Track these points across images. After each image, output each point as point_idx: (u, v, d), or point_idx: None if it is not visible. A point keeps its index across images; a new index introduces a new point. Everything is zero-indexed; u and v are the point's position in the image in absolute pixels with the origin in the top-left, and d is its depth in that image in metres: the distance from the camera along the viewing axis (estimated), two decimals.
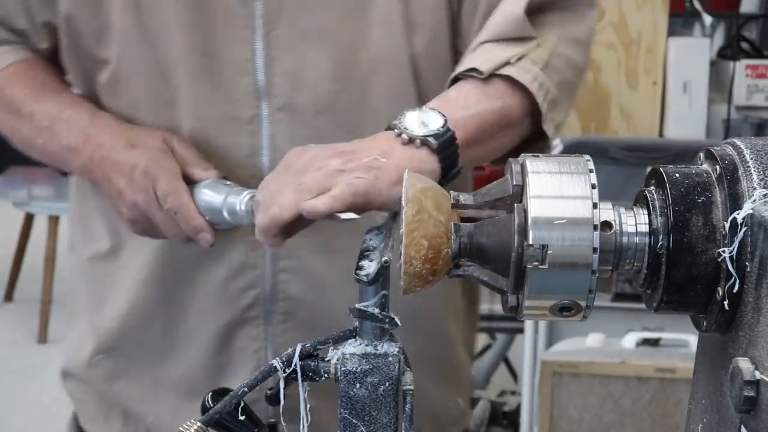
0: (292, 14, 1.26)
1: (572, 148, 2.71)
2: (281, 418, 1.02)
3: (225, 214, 1.19)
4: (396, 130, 1.13)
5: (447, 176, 1.13)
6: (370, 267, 0.94)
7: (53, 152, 1.30)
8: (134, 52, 1.28)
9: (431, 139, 1.12)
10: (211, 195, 1.21)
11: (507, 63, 1.25)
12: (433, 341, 1.43)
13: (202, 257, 1.31)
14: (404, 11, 1.28)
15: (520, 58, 1.26)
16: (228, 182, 1.22)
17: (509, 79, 1.24)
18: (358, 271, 0.94)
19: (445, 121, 1.14)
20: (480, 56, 1.25)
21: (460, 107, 1.18)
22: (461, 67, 1.25)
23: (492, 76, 1.23)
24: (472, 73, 1.24)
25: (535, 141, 1.28)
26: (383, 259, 0.92)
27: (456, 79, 1.25)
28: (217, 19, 1.26)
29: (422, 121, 1.14)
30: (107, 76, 1.32)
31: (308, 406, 1.04)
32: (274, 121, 1.28)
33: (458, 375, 1.52)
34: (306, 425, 1.03)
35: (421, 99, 1.30)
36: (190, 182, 1.23)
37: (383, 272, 0.93)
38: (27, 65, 1.35)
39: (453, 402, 1.51)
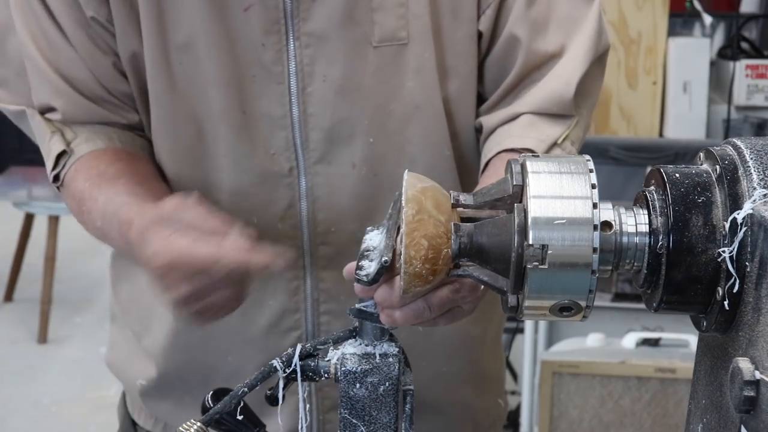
0: (325, 70, 1.25)
1: None
2: (279, 418, 1.03)
3: None
4: None
5: None
6: (370, 267, 0.93)
7: (118, 248, 1.29)
8: (168, 110, 1.28)
9: None
10: None
11: (555, 143, 1.27)
12: (466, 347, 1.44)
13: (245, 305, 1.31)
14: (438, 60, 1.28)
15: (564, 138, 1.28)
16: None
17: None
18: (358, 271, 0.94)
19: None
20: (528, 133, 1.27)
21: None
22: (509, 142, 1.26)
23: None
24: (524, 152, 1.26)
25: None
26: (383, 259, 0.91)
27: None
28: (252, 76, 1.25)
29: None
30: (151, 126, 1.32)
31: (307, 406, 1.05)
32: (311, 173, 1.28)
33: (495, 375, 1.53)
34: (305, 425, 1.03)
35: (454, 141, 1.31)
36: None
37: (383, 272, 0.92)
38: (97, 154, 1.30)
39: (493, 403, 1.51)
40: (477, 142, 1.36)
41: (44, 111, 1.31)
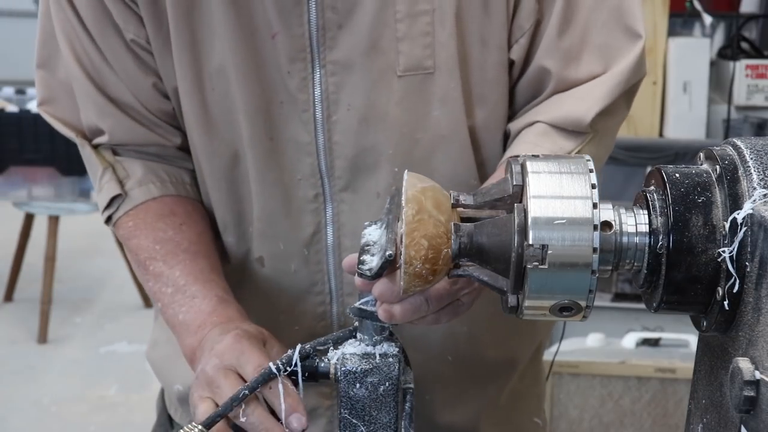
0: (350, 98, 1.25)
1: None
2: (282, 420, 1.02)
3: None
4: None
5: None
6: (372, 261, 0.93)
7: (168, 320, 1.28)
8: (204, 135, 1.29)
9: None
10: None
11: None
12: (500, 365, 1.44)
13: (273, 329, 1.31)
14: (465, 89, 1.27)
15: (577, 153, 1.27)
16: None
17: None
18: (360, 266, 0.93)
19: None
20: (541, 142, 1.26)
21: None
22: (521, 148, 1.26)
23: None
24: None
25: None
26: (387, 253, 0.90)
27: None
28: (279, 103, 1.25)
29: None
30: (191, 151, 1.33)
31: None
32: (337, 200, 1.28)
33: (532, 392, 1.52)
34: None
35: (481, 169, 1.31)
36: None
37: (387, 266, 0.92)
38: (156, 210, 1.32)
39: (529, 421, 1.51)
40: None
41: (93, 133, 1.33)
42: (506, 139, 1.33)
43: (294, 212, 1.29)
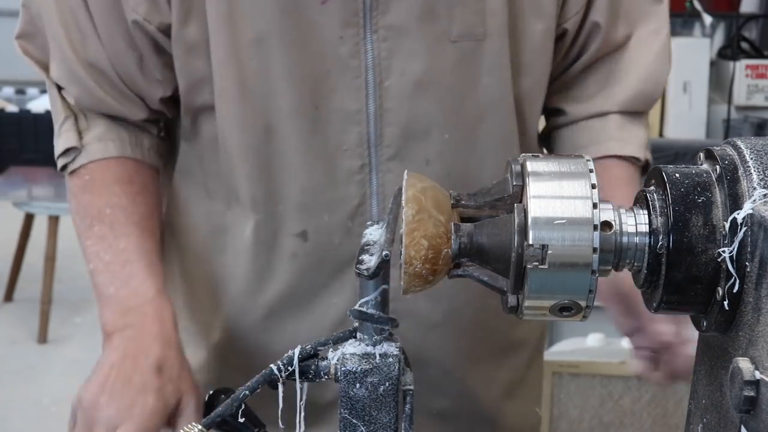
0: (403, 64, 1.24)
1: None
2: (279, 421, 1.03)
3: None
4: None
5: None
6: (370, 261, 0.94)
7: (96, 284, 1.28)
8: (236, 107, 1.26)
9: None
10: None
11: (645, 146, 1.37)
12: (508, 354, 1.45)
13: (306, 303, 1.31)
14: (513, 56, 1.28)
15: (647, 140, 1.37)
16: None
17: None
18: (358, 266, 0.94)
19: None
20: (625, 137, 1.35)
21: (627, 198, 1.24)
22: (612, 146, 1.35)
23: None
24: (630, 159, 1.36)
25: None
26: (383, 253, 0.92)
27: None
28: (327, 71, 1.24)
29: None
30: (208, 131, 1.31)
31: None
32: (383, 170, 1.27)
33: (533, 383, 1.54)
34: (303, 427, 1.03)
35: (522, 138, 1.33)
36: None
37: (383, 266, 0.93)
38: (112, 169, 1.31)
39: (531, 412, 1.52)
40: (538, 138, 1.40)
41: (60, 86, 1.32)
42: (545, 111, 1.37)
43: (339, 184, 1.28)
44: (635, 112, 1.38)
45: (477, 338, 1.38)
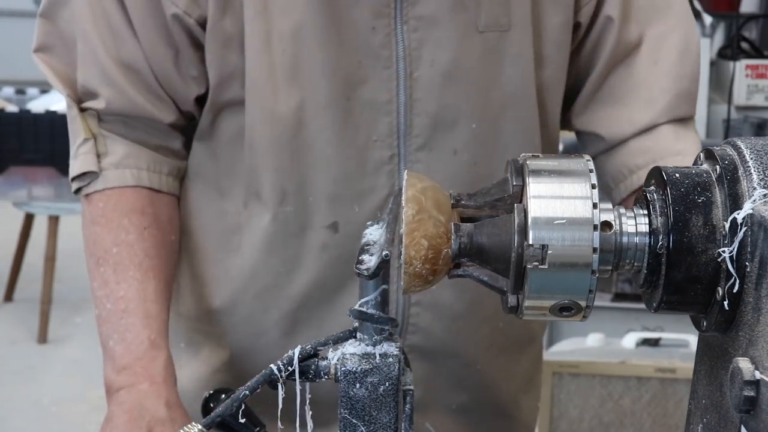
0: (433, 54, 1.25)
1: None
2: (279, 421, 1.02)
3: None
4: None
5: None
6: (370, 261, 0.94)
7: (100, 332, 1.29)
8: (266, 99, 1.26)
9: None
10: None
11: None
12: (525, 348, 1.47)
13: (334, 295, 1.31)
14: (535, 47, 1.29)
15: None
16: None
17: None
18: (358, 266, 0.94)
19: None
20: (687, 150, 1.31)
21: None
22: (680, 161, 1.31)
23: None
24: None
25: None
26: (383, 253, 0.92)
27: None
28: (358, 62, 1.25)
29: None
30: (227, 128, 1.31)
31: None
32: (412, 160, 1.28)
33: (540, 379, 1.55)
34: (311, 425, 1.03)
35: (543, 130, 1.33)
36: None
37: (383, 266, 0.93)
38: (134, 199, 1.30)
39: (535, 406, 1.54)
40: (557, 133, 1.40)
41: (86, 95, 1.30)
42: (565, 100, 1.36)
43: (369, 174, 1.28)
44: (683, 119, 1.34)
45: (498, 329, 1.38)
